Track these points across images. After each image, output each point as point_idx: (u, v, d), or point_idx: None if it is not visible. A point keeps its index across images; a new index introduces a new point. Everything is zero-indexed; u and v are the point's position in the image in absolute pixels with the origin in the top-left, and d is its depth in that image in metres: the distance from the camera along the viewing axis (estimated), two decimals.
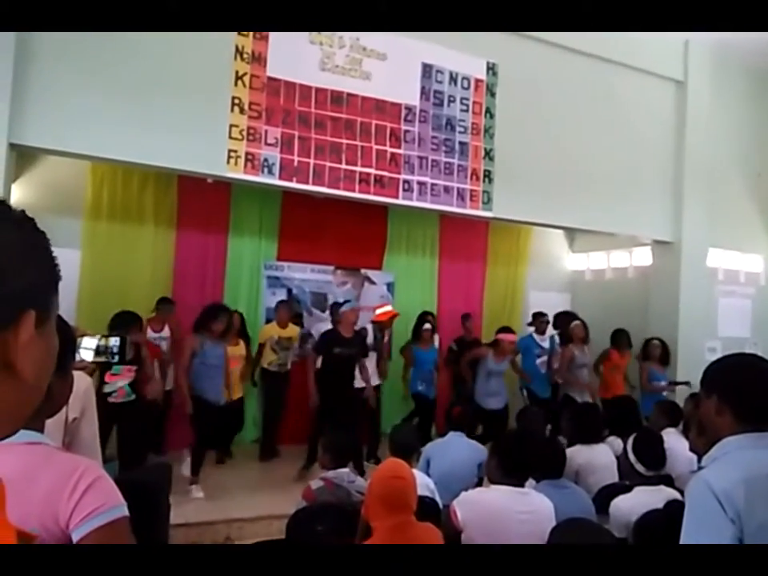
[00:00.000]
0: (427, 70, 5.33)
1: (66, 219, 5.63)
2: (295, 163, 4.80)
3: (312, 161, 4.85)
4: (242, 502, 4.73)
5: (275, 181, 4.77)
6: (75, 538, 1.06)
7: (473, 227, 7.29)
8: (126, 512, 1.11)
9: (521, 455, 2.60)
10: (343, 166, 4.96)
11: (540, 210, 5.85)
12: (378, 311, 6.29)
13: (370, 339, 5.97)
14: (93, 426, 1.90)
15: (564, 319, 6.59)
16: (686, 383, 5.95)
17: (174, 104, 4.42)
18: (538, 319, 6.67)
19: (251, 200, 6.52)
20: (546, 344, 6.58)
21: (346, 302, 5.86)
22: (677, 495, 2.61)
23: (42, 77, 4.06)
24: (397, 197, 5.19)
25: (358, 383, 5.54)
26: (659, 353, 6.18)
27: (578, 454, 3.49)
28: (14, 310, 0.56)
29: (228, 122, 4.58)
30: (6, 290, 0.55)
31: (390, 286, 7.35)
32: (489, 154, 5.56)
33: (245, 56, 4.65)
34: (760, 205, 7.23)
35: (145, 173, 5.95)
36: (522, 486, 2.56)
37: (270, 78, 4.73)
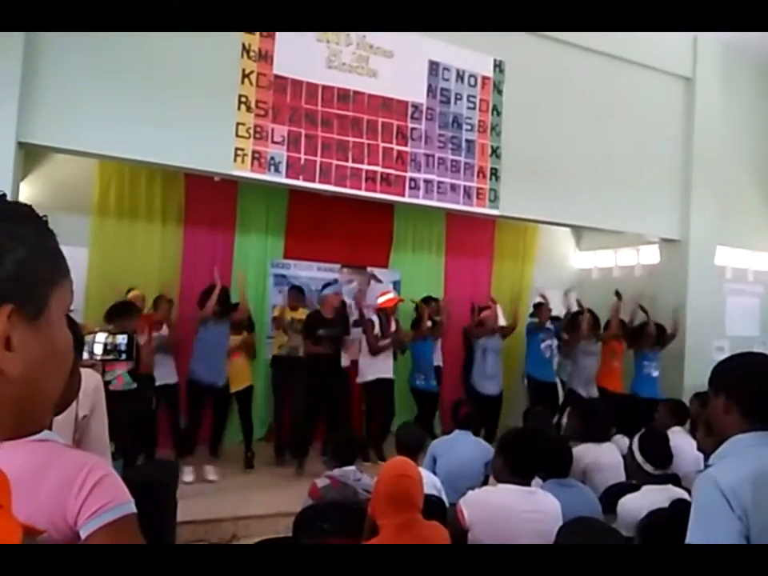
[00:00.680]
0: (434, 67, 5.31)
1: (73, 217, 5.66)
2: (302, 161, 4.80)
3: (318, 159, 4.85)
4: (249, 499, 4.75)
5: (282, 179, 4.77)
6: (83, 535, 1.07)
7: (479, 225, 7.27)
8: (134, 509, 1.12)
9: (527, 454, 2.60)
10: (350, 164, 4.95)
11: (547, 207, 5.83)
12: (381, 299, 6.27)
13: (376, 329, 5.99)
14: (102, 423, 1.91)
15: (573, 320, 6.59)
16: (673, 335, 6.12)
17: (181, 102, 4.42)
18: (539, 309, 6.58)
19: (258, 198, 6.53)
20: (551, 326, 6.53)
21: (327, 285, 6.16)
22: (684, 494, 2.59)
23: (50, 76, 4.08)
24: (403, 195, 5.18)
25: (344, 362, 5.83)
26: (653, 336, 6.19)
27: (585, 453, 3.48)
28: None
29: (235, 120, 4.58)
30: None
31: (396, 284, 7.34)
32: (496, 152, 5.55)
33: (251, 54, 4.65)
34: None
35: (152, 171, 5.96)
36: (529, 485, 2.56)
37: (276, 76, 4.73)
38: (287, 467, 5.57)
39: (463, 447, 3.68)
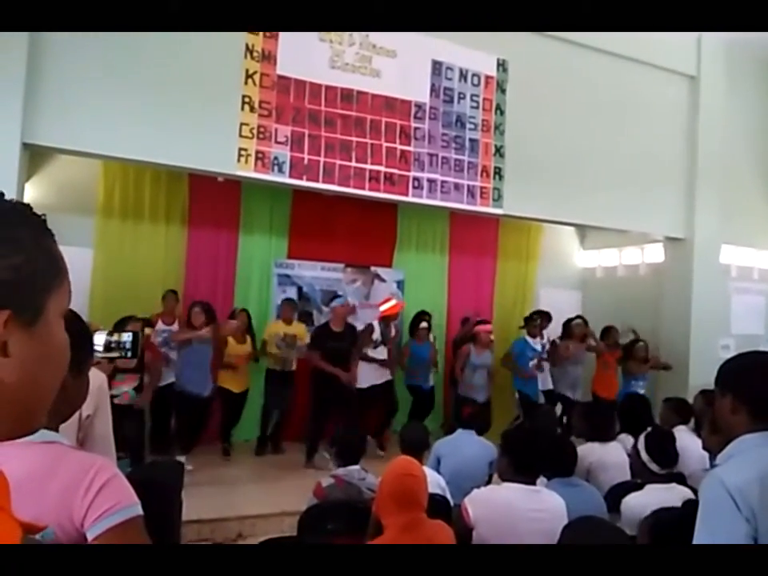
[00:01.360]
0: (437, 66, 5.31)
1: (78, 218, 5.68)
2: (305, 161, 4.81)
3: (322, 159, 4.86)
4: (254, 498, 4.76)
5: (285, 179, 4.78)
6: (90, 537, 1.07)
7: (483, 224, 7.27)
8: (140, 511, 1.12)
9: (532, 453, 2.59)
10: (353, 164, 4.96)
11: (551, 206, 5.82)
12: (383, 307, 6.34)
13: (377, 335, 6.08)
14: (107, 423, 1.92)
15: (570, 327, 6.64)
16: (668, 367, 6.23)
17: (185, 103, 4.43)
18: (530, 323, 6.65)
19: (262, 198, 6.54)
20: (538, 347, 6.57)
21: (336, 296, 6.15)
22: (689, 493, 2.59)
23: (55, 77, 4.09)
24: (407, 194, 5.18)
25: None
26: (642, 354, 6.29)
27: (590, 452, 3.47)
28: None
29: (238, 121, 4.59)
30: None
31: (399, 284, 7.35)
32: (499, 151, 5.54)
33: (255, 54, 4.66)
34: None
35: (156, 171, 5.98)
36: (534, 483, 2.55)
37: (279, 77, 4.74)
38: (290, 465, 5.59)
39: (467, 447, 3.68)
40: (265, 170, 4.69)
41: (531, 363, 6.49)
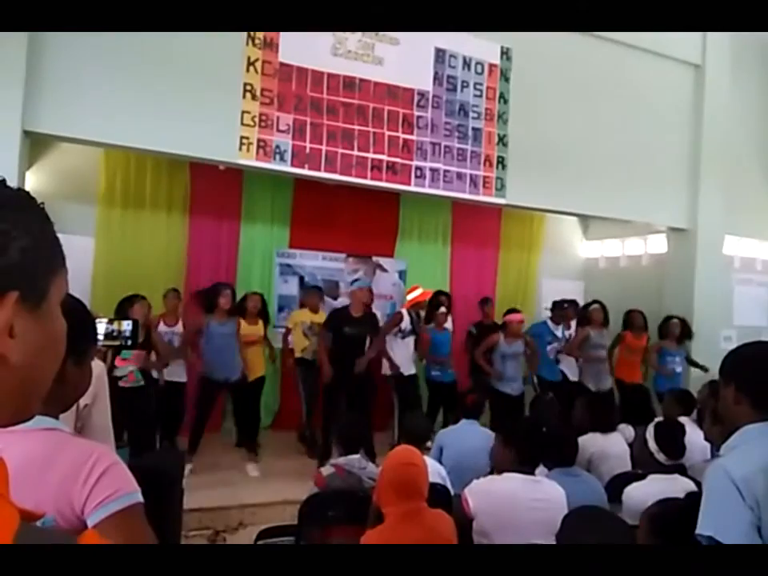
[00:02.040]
0: (440, 54, 5.27)
1: (79, 206, 5.67)
2: (307, 150, 4.78)
3: (324, 147, 4.84)
4: (256, 487, 4.78)
5: (287, 168, 4.76)
6: (90, 524, 1.07)
7: (485, 214, 7.24)
8: (141, 498, 1.12)
9: (534, 444, 2.60)
10: (355, 153, 4.93)
11: (554, 196, 5.79)
12: (411, 295, 6.11)
13: (406, 324, 5.83)
14: (105, 412, 1.91)
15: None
16: (704, 368, 5.93)
17: (187, 91, 4.41)
18: (558, 309, 6.53)
19: (263, 187, 6.51)
20: (560, 333, 6.52)
21: (355, 280, 5.98)
22: (691, 484, 2.59)
23: (56, 64, 4.07)
24: (409, 184, 5.16)
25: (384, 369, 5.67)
26: (678, 331, 6.07)
27: (592, 442, 3.48)
28: None
29: (240, 109, 4.57)
30: None
31: (401, 274, 7.34)
32: (502, 140, 5.51)
33: (257, 42, 4.62)
34: None
35: (158, 160, 5.96)
36: (533, 473, 2.56)
37: (282, 64, 4.70)
38: (292, 454, 5.60)
39: (470, 437, 3.68)
40: (266, 159, 4.67)
41: (550, 347, 6.34)
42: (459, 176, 5.33)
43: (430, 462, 2.84)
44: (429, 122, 5.22)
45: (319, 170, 4.84)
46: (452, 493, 2.91)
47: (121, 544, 0.92)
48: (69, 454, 1.13)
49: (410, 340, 5.89)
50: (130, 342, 1.72)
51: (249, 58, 4.60)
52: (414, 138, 5.15)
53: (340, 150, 4.88)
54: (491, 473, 3.45)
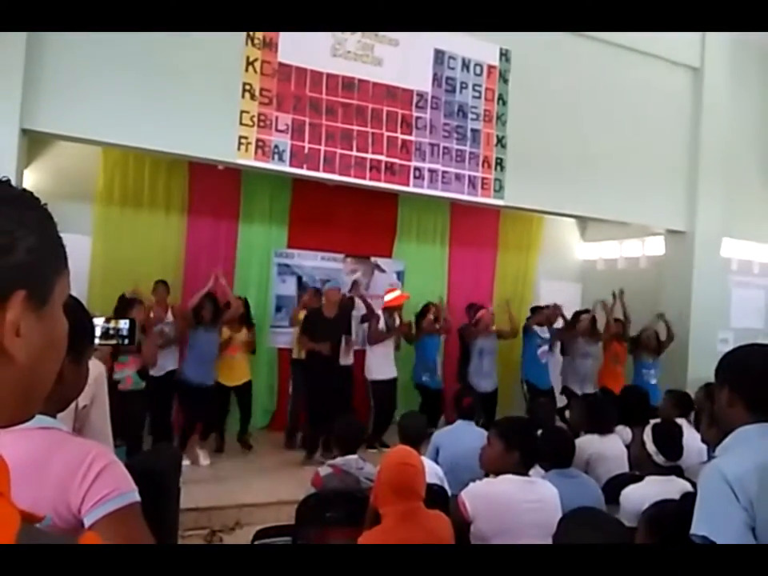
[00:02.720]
0: (439, 56, 5.27)
1: (77, 205, 5.66)
2: (306, 150, 4.78)
3: (323, 148, 4.84)
4: (252, 487, 4.77)
5: (285, 168, 4.75)
6: (87, 524, 1.07)
7: (484, 215, 7.25)
8: (138, 497, 1.12)
9: (530, 447, 2.59)
10: (354, 153, 4.93)
11: (552, 198, 5.80)
12: (388, 297, 6.33)
13: (382, 325, 6.03)
14: (104, 413, 1.91)
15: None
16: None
17: (185, 90, 4.41)
18: (537, 312, 6.69)
19: (262, 187, 6.51)
20: (546, 334, 6.59)
21: (327, 281, 6.09)
22: (688, 486, 2.59)
23: (55, 63, 4.06)
24: (408, 184, 5.16)
25: (344, 360, 5.76)
26: (653, 343, 6.21)
27: (590, 444, 3.48)
28: (1, 289, 0.55)
29: (239, 109, 4.56)
30: None
31: (399, 274, 7.34)
32: (501, 142, 5.52)
33: (256, 42, 4.62)
34: None
35: (156, 159, 5.95)
36: (528, 474, 2.56)
37: (281, 64, 4.70)
38: (294, 453, 5.59)
39: (466, 438, 3.68)
40: (265, 159, 4.66)
41: (540, 350, 6.48)
42: (458, 177, 5.33)
43: (428, 462, 2.84)
44: (427, 122, 5.22)
45: (318, 170, 4.84)
46: (449, 493, 2.91)
47: (118, 544, 0.92)
48: (66, 453, 1.12)
49: (389, 343, 6.04)
50: (127, 342, 1.71)
51: (248, 58, 4.60)
52: (412, 138, 5.15)
53: (339, 151, 4.88)
54: (487, 475, 3.46)
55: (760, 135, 7.04)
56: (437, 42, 5.24)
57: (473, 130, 5.41)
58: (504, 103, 5.54)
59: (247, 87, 4.60)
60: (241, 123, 4.57)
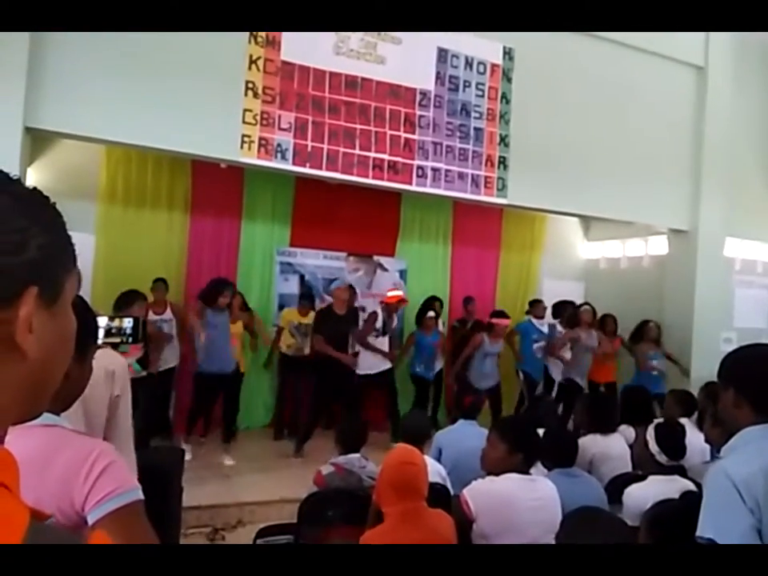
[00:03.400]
0: (443, 54, 5.26)
1: (80, 203, 5.67)
2: (309, 148, 4.78)
3: (326, 146, 4.83)
4: (254, 485, 4.78)
5: (288, 166, 4.75)
6: (90, 521, 1.07)
7: (486, 214, 7.24)
8: (141, 495, 1.12)
9: (531, 443, 2.59)
10: (357, 152, 4.93)
11: (555, 197, 5.79)
12: (389, 293, 6.37)
13: (379, 323, 6.07)
14: (128, 403, 2.03)
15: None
16: (683, 369, 6.19)
17: (188, 88, 4.40)
18: (536, 305, 6.79)
19: (264, 185, 6.51)
20: (545, 329, 6.63)
21: (334, 280, 6.23)
22: (691, 485, 2.59)
23: (58, 61, 4.06)
24: (410, 183, 5.15)
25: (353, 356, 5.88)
26: (655, 334, 6.30)
27: (593, 444, 3.47)
28: (14, 286, 0.55)
29: (242, 107, 4.56)
30: (4, 265, 0.54)
31: (402, 273, 7.34)
32: (504, 140, 5.51)
33: (259, 40, 4.62)
34: None
35: (159, 157, 5.96)
36: (528, 473, 2.55)
37: (284, 62, 4.70)
38: (291, 452, 5.61)
39: (468, 437, 3.67)
40: (268, 157, 4.66)
41: (536, 345, 6.52)
42: (461, 176, 5.32)
43: (430, 461, 2.83)
44: (431, 121, 5.21)
45: (321, 168, 4.83)
46: (451, 493, 2.91)
47: (120, 545, 0.92)
48: (70, 450, 1.13)
49: (383, 340, 6.09)
50: (131, 340, 1.72)
51: (251, 56, 4.60)
52: (415, 137, 5.15)
53: (342, 149, 4.87)
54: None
55: (764, 134, 7.02)
56: (440, 40, 5.23)
57: (476, 129, 5.40)
58: (507, 102, 5.52)
59: (250, 85, 4.60)
60: (243, 121, 4.57)
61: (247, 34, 4.56)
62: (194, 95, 4.41)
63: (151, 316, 5.36)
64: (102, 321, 1.67)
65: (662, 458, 2.74)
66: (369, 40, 4.98)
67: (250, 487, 4.73)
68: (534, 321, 6.68)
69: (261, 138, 4.62)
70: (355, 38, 4.93)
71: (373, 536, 2.13)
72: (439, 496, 2.63)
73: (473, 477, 2.62)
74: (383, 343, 6.08)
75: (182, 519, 3.60)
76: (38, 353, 0.58)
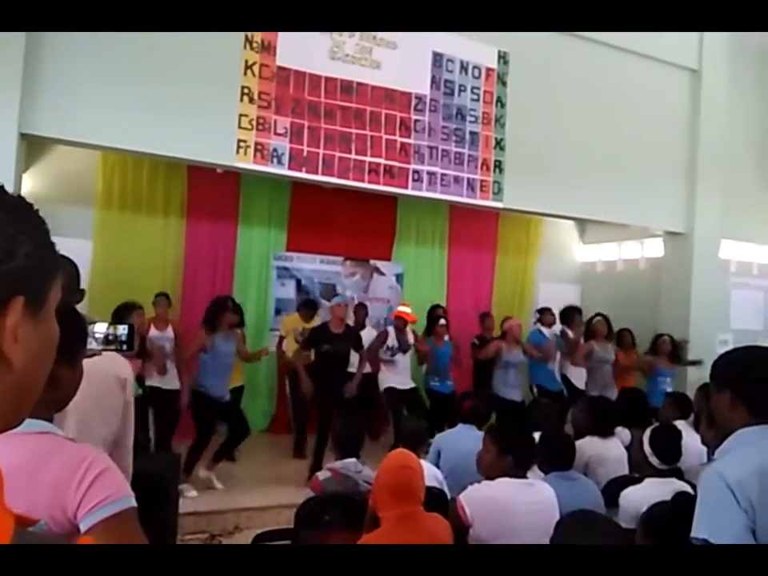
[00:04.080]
0: (438, 58, 5.28)
1: (76, 209, 5.66)
2: (304, 153, 4.79)
3: (321, 151, 4.84)
4: (251, 491, 4.76)
5: (284, 171, 4.76)
6: (83, 529, 1.07)
7: (482, 218, 7.26)
8: (134, 503, 1.12)
9: (527, 448, 2.59)
10: (353, 156, 4.94)
11: (551, 200, 5.80)
12: (402, 308, 6.11)
13: (392, 341, 5.78)
14: (133, 411, 2.02)
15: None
16: (698, 362, 5.82)
17: (184, 94, 4.41)
18: (544, 314, 6.50)
19: (260, 190, 6.52)
20: (556, 334, 6.50)
21: (336, 294, 5.98)
22: (687, 487, 2.59)
23: (53, 66, 4.07)
24: (406, 187, 5.17)
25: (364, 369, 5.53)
26: (669, 348, 6.04)
27: (590, 446, 3.46)
28: (0, 294, 0.55)
29: (237, 112, 4.57)
30: None
31: (399, 277, 7.34)
32: (499, 144, 5.52)
33: (254, 45, 4.63)
34: None
35: (155, 162, 5.96)
36: (526, 476, 2.55)
37: (279, 68, 4.71)
38: (287, 458, 5.59)
39: (467, 441, 3.66)
40: (264, 162, 4.67)
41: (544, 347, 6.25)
42: (456, 179, 5.33)
43: (427, 465, 2.83)
44: (426, 125, 5.22)
45: (317, 173, 4.84)
46: (449, 497, 2.91)
47: (114, 545, 0.92)
48: (62, 457, 1.12)
49: (401, 357, 5.81)
50: (126, 347, 1.71)
51: (246, 62, 4.61)
52: (411, 141, 5.16)
53: (337, 154, 4.88)
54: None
55: (758, 136, 7.05)
56: (435, 44, 5.25)
57: (471, 133, 5.41)
58: (502, 105, 5.54)
59: (246, 90, 4.60)
60: (239, 126, 4.57)
61: (242, 39, 4.58)
62: (189, 101, 4.42)
63: (153, 332, 5.02)
64: (102, 327, 1.66)
65: (654, 461, 2.74)
66: (364, 45, 4.99)
67: (246, 493, 4.72)
68: (544, 329, 6.42)
69: (257, 143, 4.63)
70: (350, 43, 4.94)
71: (369, 540, 2.13)
72: (436, 500, 2.63)
73: (471, 480, 2.61)
74: (404, 361, 5.82)
75: (179, 525, 3.59)
76: (23, 361, 0.58)
